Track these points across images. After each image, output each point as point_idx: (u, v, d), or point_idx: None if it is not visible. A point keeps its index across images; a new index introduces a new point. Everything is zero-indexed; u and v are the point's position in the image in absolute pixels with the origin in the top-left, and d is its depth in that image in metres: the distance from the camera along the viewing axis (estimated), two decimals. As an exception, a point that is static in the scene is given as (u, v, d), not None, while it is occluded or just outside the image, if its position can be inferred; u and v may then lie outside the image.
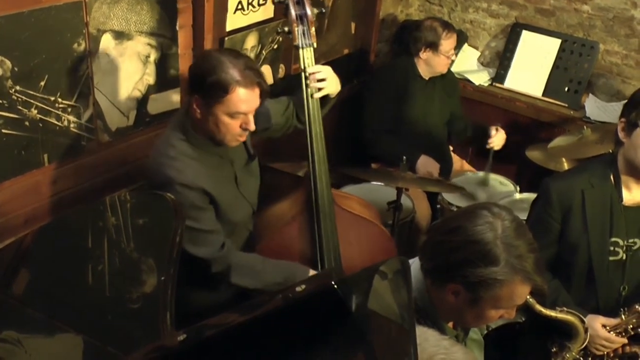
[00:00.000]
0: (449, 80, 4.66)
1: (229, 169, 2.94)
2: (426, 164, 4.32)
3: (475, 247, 1.92)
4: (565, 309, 2.61)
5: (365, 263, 3.00)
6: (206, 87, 2.66)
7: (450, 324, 2.14)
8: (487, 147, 4.37)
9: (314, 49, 3.06)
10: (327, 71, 3.09)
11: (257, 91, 2.72)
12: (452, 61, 4.55)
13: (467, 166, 4.80)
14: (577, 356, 2.78)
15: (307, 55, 3.04)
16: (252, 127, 2.77)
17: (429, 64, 4.44)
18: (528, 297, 2.44)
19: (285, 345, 1.33)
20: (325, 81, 3.06)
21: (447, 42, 4.35)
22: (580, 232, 2.82)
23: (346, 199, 3.31)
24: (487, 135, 4.39)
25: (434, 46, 4.36)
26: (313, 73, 3.03)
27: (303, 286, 1.27)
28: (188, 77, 2.82)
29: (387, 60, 5.19)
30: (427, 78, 4.49)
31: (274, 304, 1.31)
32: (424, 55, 4.40)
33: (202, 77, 2.67)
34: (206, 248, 2.82)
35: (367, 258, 3.17)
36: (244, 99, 2.68)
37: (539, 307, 2.51)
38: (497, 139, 4.36)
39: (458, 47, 5.05)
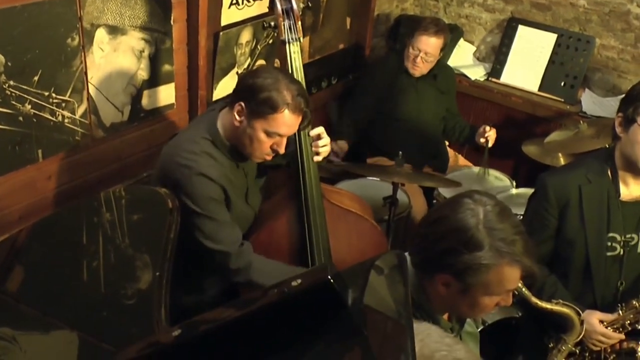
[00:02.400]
0: (445, 78, 4.60)
1: (242, 180, 2.97)
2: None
3: (457, 235, 1.92)
4: (561, 301, 2.60)
5: (355, 257, 3.03)
6: (256, 100, 2.68)
7: (445, 316, 2.13)
8: (482, 142, 4.34)
9: (300, 43, 3.06)
10: (326, 137, 3.10)
11: (300, 118, 2.75)
12: (421, 68, 4.37)
13: (462, 160, 4.79)
14: (573, 348, 2.78)
15: (294, 50, 3.03)
16: (283, 150, 2.81)
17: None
18: (524, 290, 2.45)
19: (280, 339, 1.32)
20: (326, 147, 3.08)
21: (419, 38, 4.26)
22: (577, 227, 2.81)
23: (336, 194, 3.30)
24: (480, 134, 4.36)
25: (410, 35, 4.35)
26: (318, 138, 3.05)
27: (299, 280, 1.26)
28: (239, 83, 2.83)
29: (382, 56, 5.19)
30: (415, 76, 4.44)
31: (269, 299, 1.30)
32: (406, 42, 4.40)
33: (255, 89, 2.69)
34: (225, 242, 2.83)
35: (357, 252, 3.17)
36: (287, 123, 2.72)
37: (534, 300, 2.51)
38: (492, 134, 4.33)
39: (453, 42, 5.06)
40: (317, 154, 3.05)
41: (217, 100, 3.74)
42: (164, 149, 2.91)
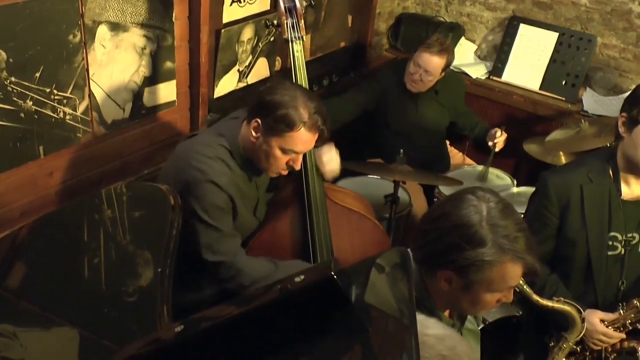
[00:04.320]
0: (448, 93, 4.48)
1: (254, 194, 2.97)
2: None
3: (461, 231, 1.92)
4: (562, 299, 2.60)
5: (357, 256, 3.02)
6: (272, 117, 2.67)
7: (447, 313, 2.13)
8: (490, 145, 4.35)
9: (303, 41, 3.06)
10: (331, 153, 3.13)
11: (316, 136, 2.75)
12: (419, 86, 4.27)
13: (466, 160, 4.78)
14: (574, 346, 2.78)
15: (297, 49, 3.03)
16: (299, 167, 2.82)
17: None
18: (525, 287, 2.45)
19: (284, 336, 1.32)
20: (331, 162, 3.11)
21: (421, 55, 4.16)
22: (578, 226, 2.81)
23: (338, 193, 3.29)
24: (491, 136, 4.34)
25: (413, 51, 4.25)
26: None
27: (302, 277, 1.26)
28: (256, 99, 2.80)
29: (382, 54, 5.19)
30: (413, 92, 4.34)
31: (273, 295, 1.30)
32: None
33: (271, 106, 2.68)
34: (222, 254, 2.81)
35: (359, 251, 3.16)
36: (304, 141, 2.72)
37: (536, 297, 2.51)
38: (502, 140, 4.32)
39: (455, 40, 5.05)
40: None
41: (218, 98, 3.74)
42: (179, 146, 2.91)
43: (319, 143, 2.83)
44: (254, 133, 2.74)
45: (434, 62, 4.16)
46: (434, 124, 4.50)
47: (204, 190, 2.73)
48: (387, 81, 4.40)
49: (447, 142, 4.78)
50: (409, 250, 2.04)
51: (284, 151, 2.73)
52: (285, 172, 2.86)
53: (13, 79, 2.80)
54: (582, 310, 2.63)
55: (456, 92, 4.61)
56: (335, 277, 1.25)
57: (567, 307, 2.60)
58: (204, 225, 2.76)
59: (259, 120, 2.71)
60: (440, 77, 4.28)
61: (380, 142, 4.47)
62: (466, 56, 5.17)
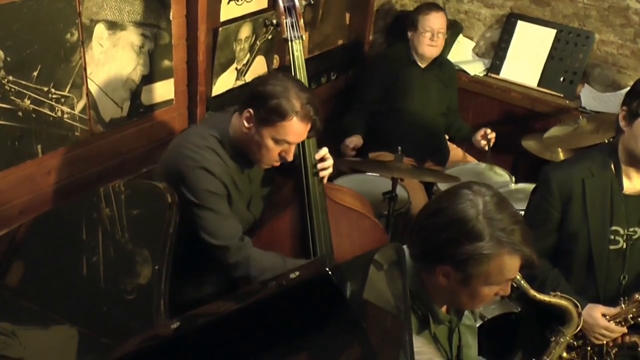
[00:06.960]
0: (447, 71, 4.65)
1: (247, 187, 2.97)
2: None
3: (458, 226, 1.93)
4: (559, 293, 2.60)
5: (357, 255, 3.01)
6: (265, 107, 2.68)
7: (444, 309, 2.14)
8: (483, 144, 4.38)
9: (302, 40, 3.06)
10: (330, 159, 3.11)
11: (309, 126, 2.75)
12: (438, 46, 4.46)
13: (467, 157, 4.79)
14: (572, 341, 2.78)
15: (296, 48, 3.03)
16: (291, 158, 2.82)
17: (414, 46, 4.45)
18: (523, 282, 2.46)
19: (280, 332, 1.32)
20: (329, 169, 3.09)
21: (425, 18, 4.36)
22: (580, 220, 2.81)
23: (338, 191, 3.29)
24: (478, 140, 4.41)
25: (414, 24, 4.40)
26: (322, 160, 3.06)
27: (297, 273, 1.26)
28: (249, 90, 2.82)
29: (386, 47, 5.20)
30: (422, 66, 4.48)
31: (268, 291, 1.30)
32: (410, 35, 4.45)
33: (264, 97, 2.69)
34: (225, 237, 2.81)
35: (359, 250, 3.13)
36: (296, 131, 2.72)
37: (533, 292, 2.52)
38: (493, 137, 4.36)
39: (453, 37, 5.06)
40: (321, 175, 3.06)
41: (216, 96, 3.74)
42: (174, 140, 2.93)
43: (312, 134, 2.83)
44: (246, 124, 2.75)
45: (440, 19, 4.40)
46: (436, 103, 4.58)
47: (196, 176, 2.73)
48: (392, 60, 4.56)
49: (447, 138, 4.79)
50: (404, 246, 2.05)
51: (277, 141, 2.73)
52: (277, 164, 2.85)
53: (11, 78, 2.80)
54: (579, 305, 2.63)
55: (453, 76, 4.75)
56: (330, 273, 1.26)
57: (563, 302, 2.60)
58: (200, 210, 2.77)
59: (251, 111, 2.72)
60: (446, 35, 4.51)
61: (382, 133, 4.51)
62: (464, 53, 5.17)
